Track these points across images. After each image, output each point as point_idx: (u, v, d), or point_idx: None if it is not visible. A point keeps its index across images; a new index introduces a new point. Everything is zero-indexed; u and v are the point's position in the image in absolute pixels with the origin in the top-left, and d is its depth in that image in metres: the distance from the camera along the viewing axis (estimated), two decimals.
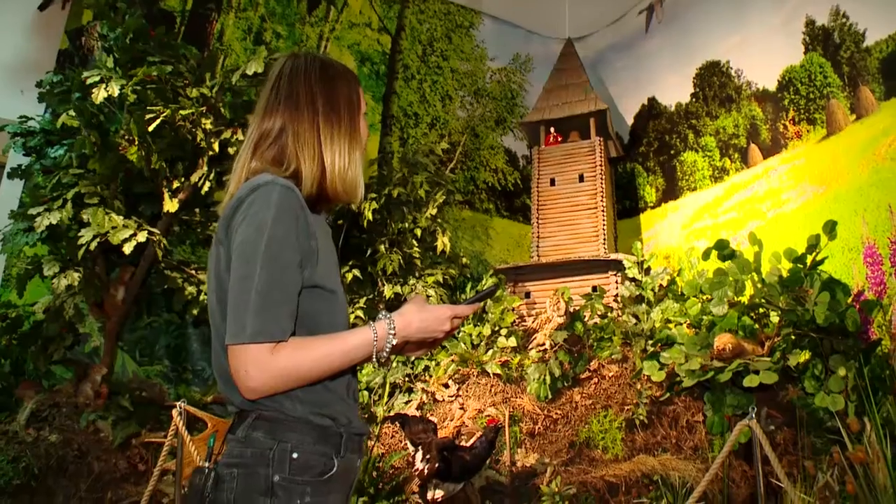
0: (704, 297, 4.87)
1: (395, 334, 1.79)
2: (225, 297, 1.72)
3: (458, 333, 5.90)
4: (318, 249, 1.79)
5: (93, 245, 4.57)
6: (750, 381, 4.14)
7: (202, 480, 1.68)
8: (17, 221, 5.25)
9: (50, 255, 4.90)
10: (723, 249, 4.70)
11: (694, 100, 7.53)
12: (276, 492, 1.64)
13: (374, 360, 1.79)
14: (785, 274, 4.44)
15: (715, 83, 7.26)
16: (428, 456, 4.11)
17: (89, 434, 4.82)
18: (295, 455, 1.68)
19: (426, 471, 4.04)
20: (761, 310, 4.67)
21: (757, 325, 4.67)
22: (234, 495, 1.65)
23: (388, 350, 1.80)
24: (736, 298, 4.64)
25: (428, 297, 5.77)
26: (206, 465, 1.74)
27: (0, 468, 4.43)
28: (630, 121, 8.27)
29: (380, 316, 1.82)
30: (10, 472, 4.42)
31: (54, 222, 4.64)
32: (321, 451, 1.72)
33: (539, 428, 4.87)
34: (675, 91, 7.74)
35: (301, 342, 1.69)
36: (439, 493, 4.25)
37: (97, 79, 4.83)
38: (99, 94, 4.77)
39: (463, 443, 4.64)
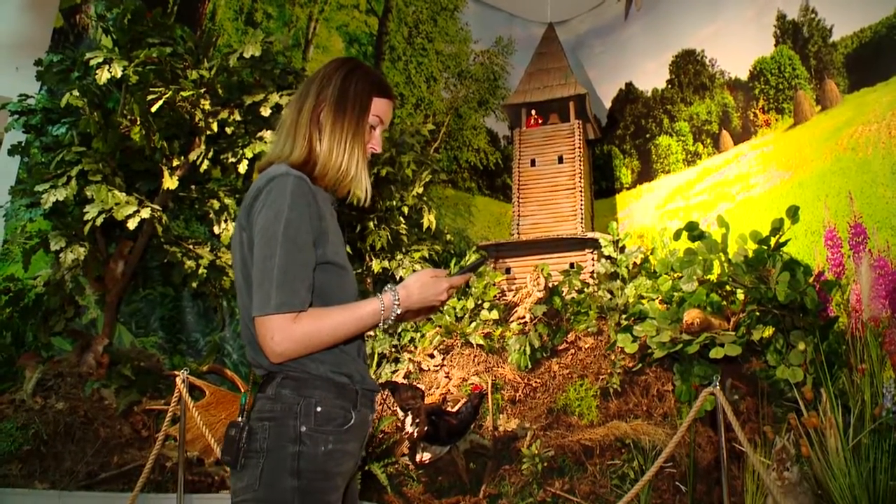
0: (675, 275, 5.04)
1: (399, 304, 2.03)
2: (250, 275, 1.94)
3: (444, 307, 6.16)
4: (328, 231, 2.01)
5: (98, 221, 4.74)
6: (716, 354, 4.35)
7: (237, 433, 1.88)
8: (18, 197, 5.42)
9: (55, 231, 5.04)
10: (693, 230, 4.87)
11: (669, 86, 7.74)
12: (303, 440, 1.87)
13: (382, 326, 2.04)
14: (750, 254, 4.63)
15: (690, 71, 7.47)
16: (417, 420, 4.39)
17: (94, 401, 5.00)
18: (319, 409, 1.91)
19: (415, 434, 4.33)
20: (728, 287, 4.86)
21: (724, 302, 4.86)
22: (267, 444, 1.87)
23: (392, 318, 2.03)
24: (705, 276, 4.84)
25: (414, 271, 5.98)
26: (241, 419, 1.96)
27: (10, 434, 4.62)
28: (608, 104, 8.49)
29: (386, 288, 2.06)
30: (19, 438, 4.61)
31: (61, 199, 4.78)
32: (340, 405, 1.96)
33: (520, 395, 5.12)
34: (652, 77, 7.93)
35: (318, 312, 1.92)
36: (427, 456, 4.54)
37: (100, 60, 4.96)
38: (102, 75, 4.90)
39: (449, 408, 4.91)
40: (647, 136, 7.94)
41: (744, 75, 6.80)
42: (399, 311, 2.05)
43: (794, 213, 4.59)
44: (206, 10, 7.10)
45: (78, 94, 5.03)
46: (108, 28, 5.62)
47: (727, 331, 4.57)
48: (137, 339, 6.12)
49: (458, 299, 6.15)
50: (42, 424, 4.67)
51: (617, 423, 4.55)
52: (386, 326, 2.09)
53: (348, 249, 5.93)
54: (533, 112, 7.94)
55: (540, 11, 8.83)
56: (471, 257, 6.69)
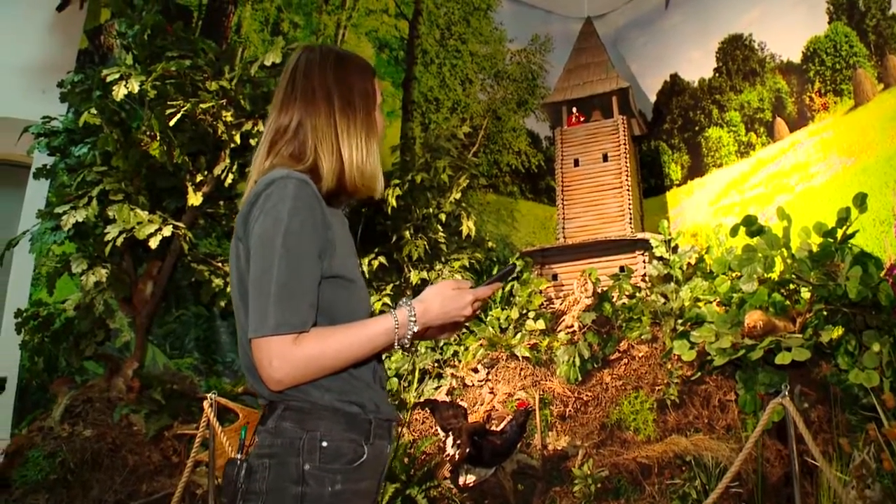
0: (733, 275, 4.77)
1: (415, 321, 1.80)
2: (247, 292, 1.74)
3: (486, 317, 5.88)
4: (335, 240, 1.81)
5: (119, 241, 4.60)
6: (782, 359, 4.02)
7: (235, 472, 1.72)
8: (45, 220, 5.32)
9: (78, 253, 4.93)
10: (751, 225, 4.59)
11: (717, 74, 7.41)
12: (307, 480, 1.67)
13: (397, 346, 1.81)
14: (815, 249, 4.33)
15: (738, 57, 7.14)
16: (458, 441, 4.11)
17: (122, 428, 4.86)
18: (325, 444, 1.71)
19: (457, 456, 4.04)
20: (792, 286, 4.56)
21: (788, 302, 4.57)
22: (267, 485, 1.68)
23: (409, 337, 1.81)
24: (766, 275, 4.54)
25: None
26: (239, 456, 1.78)
27: (37, 463, 4.50)
28: (653, 98, 8.16)
29: (401, 303, 1.84)
30: (46, 466, 4.48)
31: (80, 220, 4.68)
32: (350, 438, 1.74)
33: (570, 410, 4.83)
34: (698, 66, 7.62)
35: (323, 332, 1.71)
36: (471, 478, 4.25)
37: (117, 76, 4.84)
38: (119, 91, 4.77)
39: (493, 427, 4.62)
40: (696, 128, 7.61)
41: (796, 57, 6.46)
42: (416, 329, 1.81)
43: (861, 201, 4.27)
44: (232, 22, 6.97)
45: (95, 111, 4.89)
46: (128, 44, 5.52)
47: (793, 333, 4.27)
48: (172, 360, 5.99)
49: (502, 309, 5.87)
50: (69, 453, 4.54)
51: (676, 438, 4.22)
52: (403, 346, 1.85)
53: (383, 261, 5.71)
54: (574, 110, 7.63)
55: (577, 6, 8.56)
56: (515, 264, 6.38)
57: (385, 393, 1.96)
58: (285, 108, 1.93)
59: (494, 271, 6.41)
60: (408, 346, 1.85)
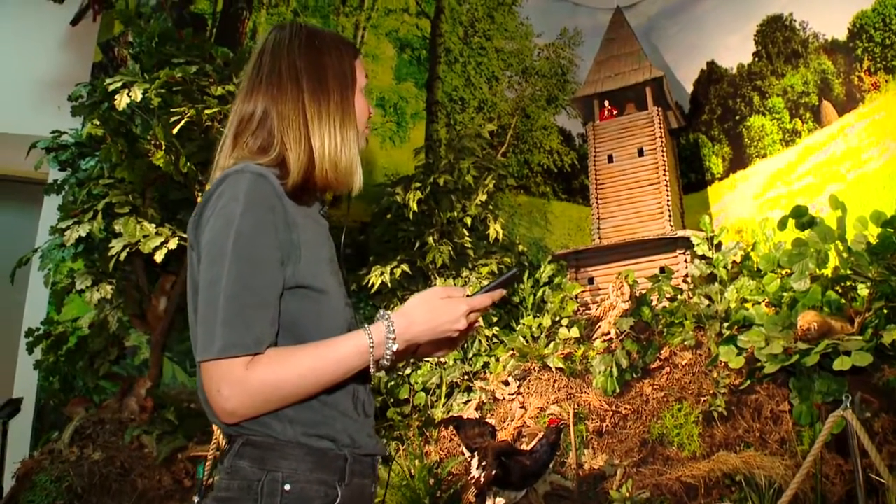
0: (783, 272, 4.46)
1: (394, 338, 1.52)
2: None
3: (518, 326, 5.56)
4: (302, 244, 1.54)
5: (122, 255, 4.42)
6: (841, 364, 3.68)
7: None
8: (57, 236, 5.18)
9: (84, 269, 4.79)
10: (801, 217, 4.27)
11: (757, 59, 7.01)
12: None
13: (374, 370, 1.53)
14: (873, 240, 3.97)
15: (778, 39, 6.74)
16: (484, 462, 3.78)
17: (133, 450, 4.70)
18: (287, 486, 1.46)
19: (482, 478, 3.71)
20: (848, 282, 4.24)
21: (844, 300, 4.21)
22: None
23: (388, 357, 1.53)
24: (819, 271, 4.23)
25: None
26: (196, 499, 1.56)
27: (44, 488, 4.37)
28: (689, 88, 7.77)
29: (378, 315, 1.55)
30: (53, 491, 4.35)
31: (83, 234, 4.53)
32: (320, 480, 1.50)
33: (607, 425, 4.48)
34: (736, 52, 7.23)
35: (283, 353, 1.45)
36: (500, 502, 3.92)
37: (119, 84, 4.66)
38: (122, 100, 4.59)
39: (524, 445, 4.30)
40: (737, 117, 7.21)
41: (842, 35, 6.05)
42: (395, 347, 1.53)
43: None
44: (247, 28, 6.79)
45: (98, 122, 4.71)
46: (136, 54, 5.37)
47: (852, 335, 3.90)
48: (192, 378, 5.79)
49: (535, 317, 5.53)
50: (76, 477, 4.41)
51: (724, 455, 3.86)
52: (383, 368, 1.56)
53: (406, 268, 5.43)
54: (606, 103, 7.27)
55: None
56: (545, 269, 6.03)
57: (369, 421, 1.67)
58: (250, 95, 1.69)
59: (525, 277, 6.07)
60: (388, 367, 1.56)
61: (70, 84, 5.98)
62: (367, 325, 1.53)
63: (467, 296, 1.64)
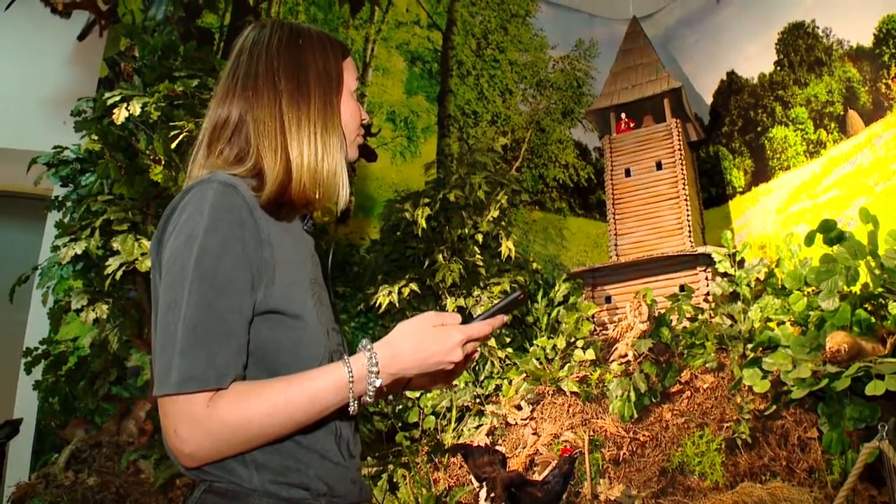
0: (810, 290, 4.22)
1: (377, 372, 1.34)
2: None
3: (532, 348, 5.35)
4: (277, 264, 1.37)
5: (118, 274, 4.27)
6: (873, 389, 3.42)
7: None
8: (56, 254, 5.08)
9: (82, 288, 4.65)
10: (829, 231, 4.06)
11: (778, 68, 6.77)
12: None
13: (353, 408, 1.34)
14: None
15: (801, 47, 6.51)
16: (493, 494, 3.58)
17: (129, 475, 4.52)
18: None
19: None
20: (880, 300, 3.99)
21: (875, 319, 3.96)
22: None
23: (371, 393, 1.34)
24: (848, 289, 3.99)
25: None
26: None
27: None
28: (709, 99, 7.55)
29: (360, 346, 1.37)
30: None
31: (79, 252, 4.38)
32: None
33: (624, 453, 4.26)
34: (757, 61, 7.01)
35: (249, 388, 1.27)
36: None
37: (118, 98, 4.55)
38: (120, 114, 4.47)
39: (536, 475, 4.08)
40: (759, 129, 6.97)
41: (867, 41, 5.81)
42: (378, 383, 1.34)
43: None
44: None
45: (96, 137, 4.59)
46: (139, 68, 5.27)
47: (885, 357, 3.64)
48: None
49: (549, 337, 5.32)
50: (70, 503, 4.21)
51: (749, 486, 3.63)
52: (363, 404, 1.38)
53: (415, 287, 5.25)
54: (623, 115, 7.07)
55: (622, 8, 8.02)
56: (560, 287, 5.81)
57: (354, 463, 1.48)
58: (225, 99, 1.55)
59: (539, 297, 5.86)
60: (371, 402, 1.37)
61: (76, 100, 5.94)
62: (346, 358, 1.34)
63: (464, 323, 1.47)
